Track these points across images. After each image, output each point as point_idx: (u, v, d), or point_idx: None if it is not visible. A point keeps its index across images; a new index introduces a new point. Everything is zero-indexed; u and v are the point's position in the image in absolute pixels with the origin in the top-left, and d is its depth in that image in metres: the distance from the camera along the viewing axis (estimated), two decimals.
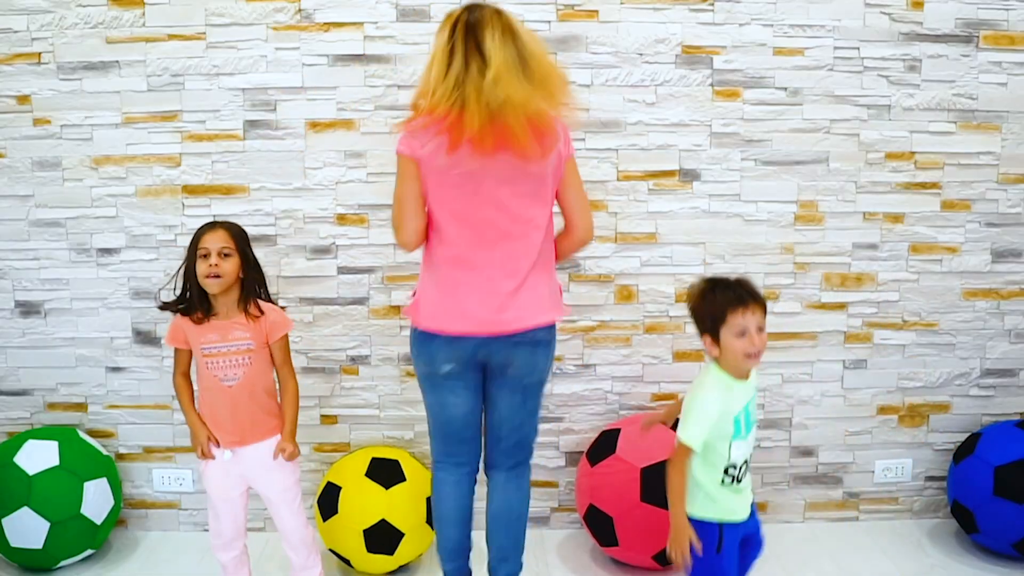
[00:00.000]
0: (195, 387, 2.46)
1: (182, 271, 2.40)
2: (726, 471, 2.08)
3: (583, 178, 2.97)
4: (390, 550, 2.72)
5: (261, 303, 2.41)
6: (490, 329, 2.21)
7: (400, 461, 2.81)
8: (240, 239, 2.38)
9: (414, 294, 2.32)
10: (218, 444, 2.41)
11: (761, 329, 2.04)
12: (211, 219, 2.50)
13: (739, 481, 2.10)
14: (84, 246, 2.99)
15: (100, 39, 2.87)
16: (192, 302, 2.37)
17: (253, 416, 2.39)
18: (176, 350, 2.44)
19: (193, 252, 2.35)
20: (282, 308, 2.58)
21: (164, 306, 2.42)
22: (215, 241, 2.33)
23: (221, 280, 2.32)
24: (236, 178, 2.96)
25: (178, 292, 2.41)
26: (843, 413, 3.15)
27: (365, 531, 2.68)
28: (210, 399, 2.40)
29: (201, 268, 2.32)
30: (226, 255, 2.33)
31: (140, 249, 2.99)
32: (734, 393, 2.07)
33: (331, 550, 2.78)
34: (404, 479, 2.76)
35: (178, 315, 2.39)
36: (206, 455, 2.41)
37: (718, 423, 2.05)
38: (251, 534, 3.09)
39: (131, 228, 2.98)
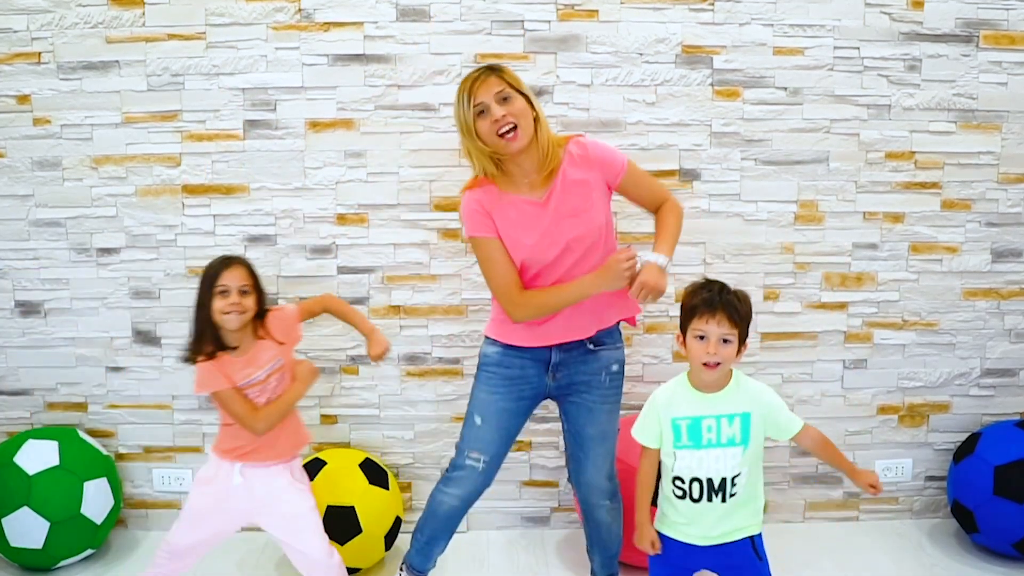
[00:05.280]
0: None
1: (194, 312, 2.31)
2: (673, 481, 2.07)
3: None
4: None
5: (270, 313, 2.37)
6: None
7: (356, 508, 2.69)
8: (255, 275, 2.35)
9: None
10: None
11: (726, 341, 2.01)
12: (224, 255, 2.39)
13: (695, 500, 2.05)
14: (84, 246, 2.99)
15: (100, 39, 2.87)
16: (214, 341, 2.29)
17: (277, 430, 2.33)
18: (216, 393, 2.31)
19: (208, 289, 2.27)
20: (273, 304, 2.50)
21: (192, 357, 2.30)
22: (235, 279, 2.28)
23: (243, 317, 2.27)
24: (236, 178, 2.96)
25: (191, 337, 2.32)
26: (843, 413, 3.15)
27: None
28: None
29: (219, 304, 2.25)
30: (245, 292, 2.28)
31: (140, 249, 2.99)
32: (683, 397, 2.07)
33: None
34: (360, 531, 2.68)
35: (206, 361, 2.28)
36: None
37: (660, 423, 2.09)
38: (250, 534, 3.09)
39: (131, 228, 2.98)
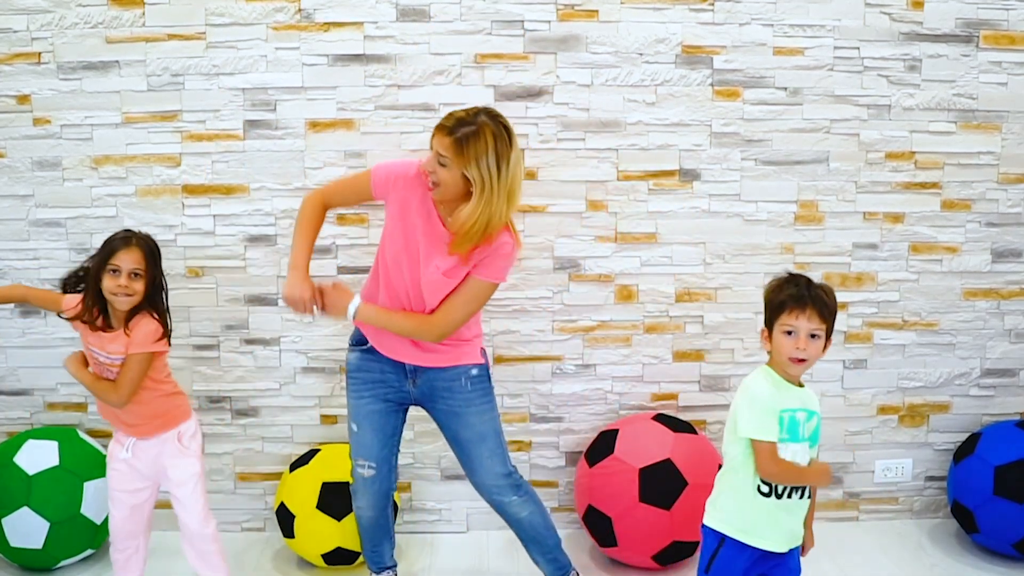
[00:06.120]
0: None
1: (87, 274, 2.28)
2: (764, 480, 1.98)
3: (585, 178, 2.98)
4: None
5: (142, 318, 2.26)
6: None
7: (351, 484, 2.70)
8: (152, 259, 2.27)
9: None
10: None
11: (814, 336, 1.97)
12: (128, 230, 2.34)
13: (779, 497, 1.97)
14: (84, 246, 2.98)
15: (100, 39, 2.87)
16: (90, 307, 2.26)
17: (141, 412, 2.31)
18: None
19: (103, 261, 2.23)
20: (159, 327, 2.30)
21: (66, 287, 2.32)
22: (129, 261, 2.22)
23: (131, 300, 2.23)
24: (236, 178, 2.96)
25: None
26: (843, 413, 3.15)
27: (323, 555, 2.76)
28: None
29: (108, 284, 2.21)
30: (136, 275, 2.23)
31: None
32: (783, 390, 2.00)
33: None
34: None
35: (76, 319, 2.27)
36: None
37: (775, 415, 1.96)
38: (249, 534, 3.11)
39: (131, 228, 2.97)
